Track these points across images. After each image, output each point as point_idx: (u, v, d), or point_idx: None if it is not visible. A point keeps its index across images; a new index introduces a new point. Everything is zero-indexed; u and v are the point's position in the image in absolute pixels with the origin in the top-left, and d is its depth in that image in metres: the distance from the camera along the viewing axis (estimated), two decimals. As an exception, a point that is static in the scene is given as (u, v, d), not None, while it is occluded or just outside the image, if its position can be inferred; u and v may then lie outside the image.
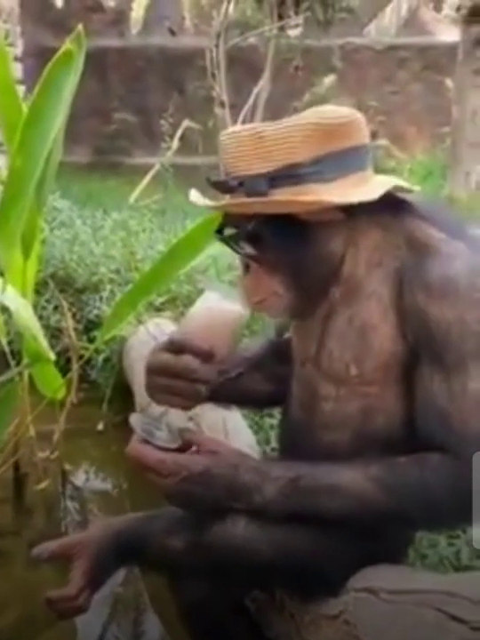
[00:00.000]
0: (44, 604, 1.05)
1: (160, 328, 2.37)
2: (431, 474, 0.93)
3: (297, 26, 8.50)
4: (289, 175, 0.94)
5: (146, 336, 2.35)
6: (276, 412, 1.99)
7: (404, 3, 11.59)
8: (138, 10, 10.95)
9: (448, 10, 11.40)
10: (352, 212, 0.98)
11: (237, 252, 1.04)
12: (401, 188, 1.00)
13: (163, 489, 0.99)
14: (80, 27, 1.96)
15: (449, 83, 8.74)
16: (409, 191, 1.01)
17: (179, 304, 2.68)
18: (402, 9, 11.61)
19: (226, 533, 1.01)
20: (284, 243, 0.99)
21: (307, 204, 0.94)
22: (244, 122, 7.36)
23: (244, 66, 8.56)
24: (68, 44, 1.74)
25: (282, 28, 7.82)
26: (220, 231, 1.05)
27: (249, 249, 1.01)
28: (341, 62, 8.98)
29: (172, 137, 7.43)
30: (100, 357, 2.67)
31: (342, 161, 0.96)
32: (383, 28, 11.14)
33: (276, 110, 8.61)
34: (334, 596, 1.02)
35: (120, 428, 2.58)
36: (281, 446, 1.26)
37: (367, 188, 0.97)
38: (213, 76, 7.50)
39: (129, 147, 10.36)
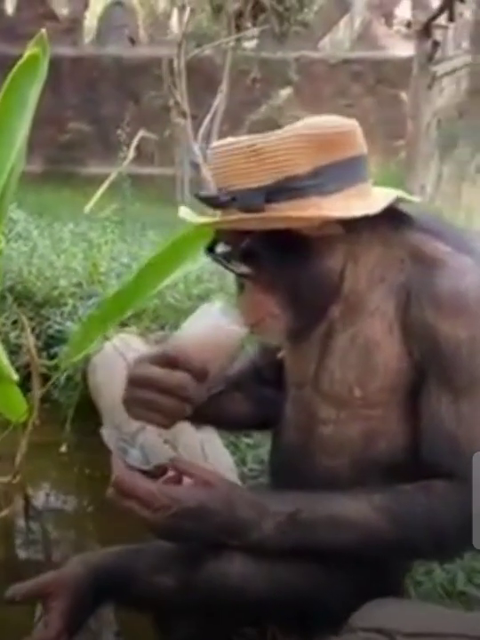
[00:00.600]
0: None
1: (127, 344, 2.28)
2: (438, 501, 0.89)
3: (253, 38, 8.54)
4: (287, 188, 0.89)
5: (112, 353, 2.26)
6: (254, 432, 1.93)
7: (357, 18, 11.81)
8: (91, 19, 10.84)
9: (398, 25, 11.65)
10: (352, 225, 0.93)
11: (231, 271, 0.98)
12: (403, 200, 0.95)
13: (148, 521, 0.91)
14: (43, 31, 1.87)
15: (402, 96, 8.89)
16: (410, 202, 0.96)
17: (145, 319, 2.60)
18: (354, 24, 11.83)
19: (221, 569, 0.95)
20: (281, 260, 0.93)
21: (308, 219, 0.89)
22: (205, 132, 7.34)
23: (199, 77, 8.54)
24: (33, 49, 1.66)
25: (238, 40, 7.84)
26: (211, 249, 0.99)
27: (243, 268, 0.95)
28: (297, 75, 9.04)
29: (127, 147, 7.35)
30: (63, 376, 2.56)
31: (342, 172, 0.91)
32: (337, 43, 11.32)
33: (233, 121, 8.63)
34: (335, 632, 0.96)
35: (84, 449, 2.49)
36: (273, 472, 1.20)
37: (369, 200, 0.92)
38: (172, 86, 7.46)
39: (83, 156, 10.22)
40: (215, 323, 0.95)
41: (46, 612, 0.98)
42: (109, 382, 2.09)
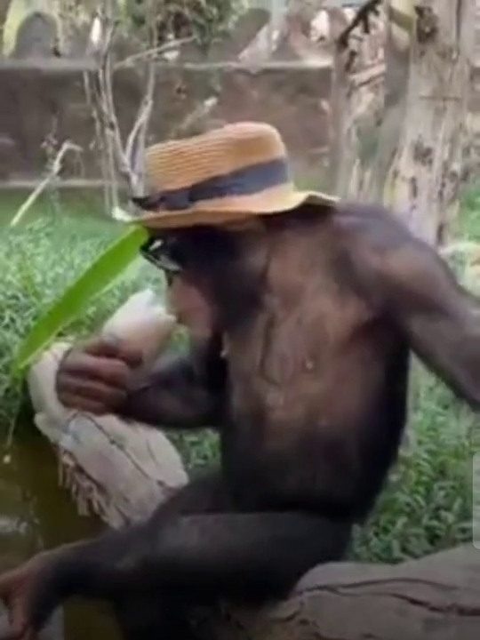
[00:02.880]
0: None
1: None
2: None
3: (175, 49, 8.62)
4: (210, 188, 0.97)
5: (53, 362, 2.29)
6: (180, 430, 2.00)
7: (275, 29, 12.06)
8: (10, 31, 10.67)
9: (315, 37, 11.97)
10: (275, 224, 1.01)
11: (159, 267, 1.05)
12: (319, 199, 1.04)
13: None
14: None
15: (322, 105, 9.15)
16: (327, 202, 1.05)
17: (82, 328, 2.63)
18: (273, 35, 12.07)
19: (179, 544, 1.02)
20: (205, 255, 1.00)
21: (226, 214, 0.97)
22: (132, 143, 7.35)
23: (121, 88, 8.53)
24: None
25: (160, 52, 7.91)
26: (145, 248, 1.06)
27: (171, 263, 1.02)
28: (220, 85, 9.18)
29: (53, 159, 7.29)
30: (2, 388, 2.57)
31: (261, 174, 0.99)
32: (257, 54, 11.52)
33: (159, 132, 8.66)
34: (284, 598, 1.05)
35: (27, 459, 2.50)
36: (226, 462, 1.26)
37: (287, 199, 1.00)
38: (95, 98, 7.44)
39: (6, 170, 10.03)
40: (145, 311, 1.02)
41: (10, 609, 1.02)
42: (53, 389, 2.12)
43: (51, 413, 2.05)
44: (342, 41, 6.50)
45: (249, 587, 1.08)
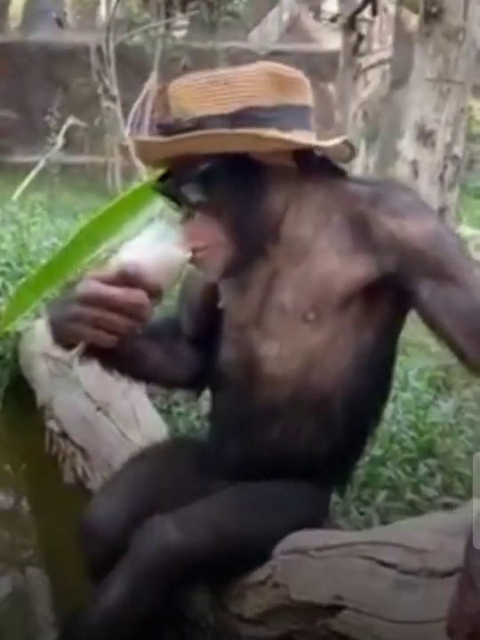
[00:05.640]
0: None
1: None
2: None
3: (183, 28, 8.55)
4: (250, 117, 0.94)
5: (44, 331, 2.27)
6: (184, 401, 1.99)
7: (285, 11, 11.95)
8: (17, 4, 10.58)
9: (325, 19, 11.85)
10: (302, 169, 1.00)
11: (182, 201, 1.01)
12: (349, 144, 1.03)
13: None
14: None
15: (330, 88, 9.08)
16: (354, 150, 1.05)
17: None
18: (283, 16, 11.96)
19: (162, 545, 1.00)
20: (235, 185, 0.97)
21: (273, 140, 0.94)
22: (134, 118, 7.30)
23: (129, 64, 8.48)
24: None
25: (168, 29, 7.84)
26: (161, 180, 1.02)
27: (196, 193, 0.98)
28: (227, 65, 9.13)
29: (56, 134, 7.23)
30: (-7, 355, 2.55)
31: (297, 115, 0.98)
32: (266, 35, 11.42)
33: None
34: (260, 565, 1.04)
35: (17, 428, 2.49)
36: (213, 416, 1.25)
37: (320, 140, 1.00)
38: (100, 72, 7.38)
39: (10, 145, 9.98)
40: (162, 244, 0.93)
41: None
42: (44, 355, 2.11)
43: (37, 377, 2.07)
44: (350, 24, 6.45)
45: (236, 559, 1.06)
